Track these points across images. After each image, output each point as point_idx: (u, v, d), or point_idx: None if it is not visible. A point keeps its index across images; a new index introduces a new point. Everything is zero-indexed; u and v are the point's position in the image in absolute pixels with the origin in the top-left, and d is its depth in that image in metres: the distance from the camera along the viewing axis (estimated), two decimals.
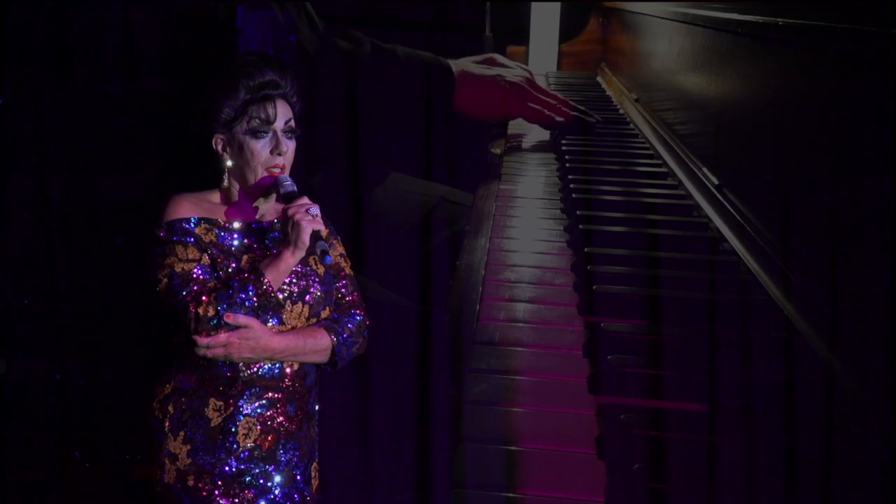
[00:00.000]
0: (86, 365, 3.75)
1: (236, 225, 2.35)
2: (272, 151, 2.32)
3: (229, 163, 2.34)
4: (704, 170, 3.90)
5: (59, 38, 3.69)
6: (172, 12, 3.72)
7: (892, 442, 2.43)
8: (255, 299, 2.24)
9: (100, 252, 3.73)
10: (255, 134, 2.31)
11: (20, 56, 3.70)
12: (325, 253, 2.26)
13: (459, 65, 4.92)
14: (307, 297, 2.34)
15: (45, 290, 3.75)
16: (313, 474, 2.46)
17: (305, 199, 2.29)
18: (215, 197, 2.39)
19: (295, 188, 2.33)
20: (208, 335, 2.23)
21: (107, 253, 3.73)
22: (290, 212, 2.26)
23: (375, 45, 4.46)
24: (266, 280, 2.25)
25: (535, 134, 5.50)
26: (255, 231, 2.37)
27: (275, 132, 2.32)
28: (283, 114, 2.33)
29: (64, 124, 3.70)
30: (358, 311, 2.45)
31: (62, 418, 3.76)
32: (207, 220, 2.32)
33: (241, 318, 2.24)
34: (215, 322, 2.22)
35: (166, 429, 2.34)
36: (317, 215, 2.27)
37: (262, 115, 2.31)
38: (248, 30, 3.74)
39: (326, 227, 2.48)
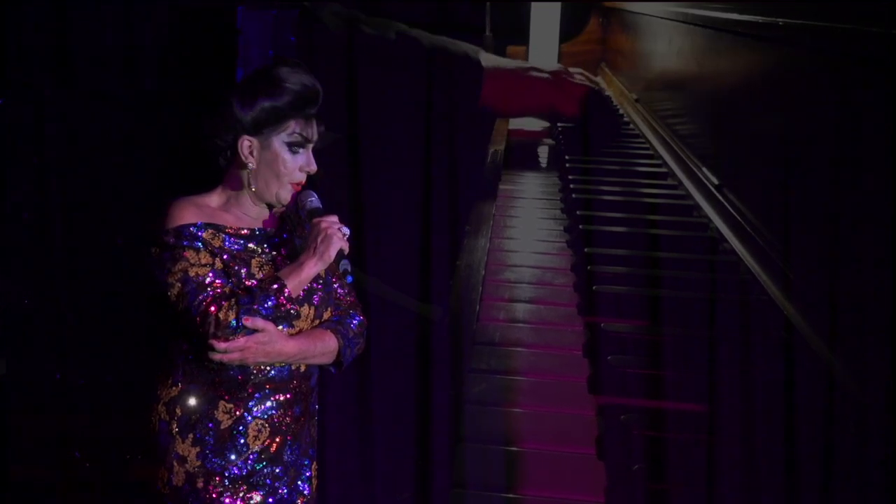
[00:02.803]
0: (86, 365, 3.75)
1: (241, 230, 2.35)
2: (301, 168, 2.33)
3: (253, 166, 2.32)
4: (704, 170, 3.90)
5: (59, 38, 3.69)
6: (172, 12, 3.72)
7: (892, 442, 2.43)
8: (273, 309, 2.24)
9: (100, 252, 3.73)
10: (293, 148, 2.32)
11: (20, 56, 3.70)
12: (346, 273, 2.28)
13: (491, 59, 4.89)
14: (314, 298, 2.35)
15: (45, 290, 3.75)
16: (313, 474, 2.46)
17: (336, 218, 2.31)
18: (213, 200, 2.37)
19: (320, 205, 2.36)
20: (226, 340, 2.23)
21: (107, 253, 3.72)
22: (324, 225, 2.28)
23: (401, 31, 4.43)
24: (288, 291, 2.26)
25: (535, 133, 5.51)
26: (259, 236, 2.36)
27: (307, 150, 2.33)
28: (318, 133, 2.35)
29: (64, 124, 3.70)
30: (357, 312, 2.45)
31: (62, 418, 3.76)
32: (213, 226, 2.32)
33: (259, 322, 2.24)
34: (234, 326, 2.21)
35: (174, 431, 2.32)
36: (347, 235, 2.29)
37: (306, 134, 2.31)
38: (248, 30, 3.73)
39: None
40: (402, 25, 4.47)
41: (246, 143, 2.30)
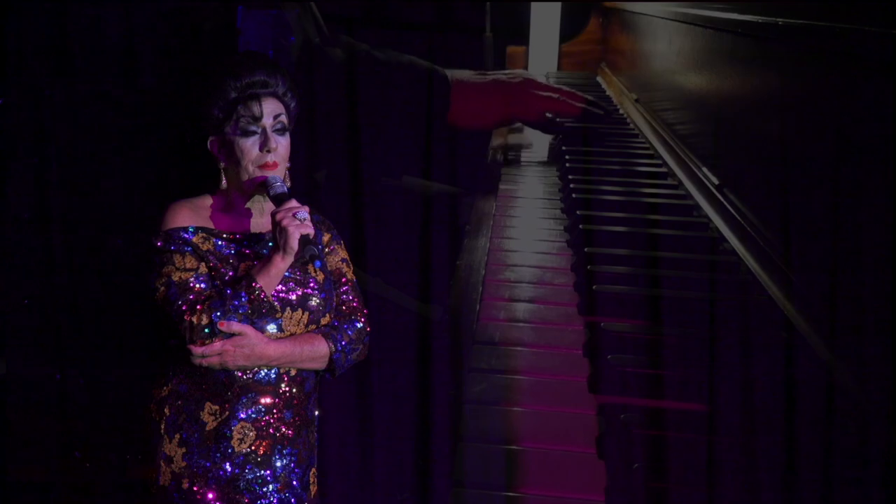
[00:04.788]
0: (86, 365, 3.74)
1: (234, 234, 2.35)
2: (262, 148, 2.31)
3: (223, 164, 2.34)
4: (704, 170, 3.90)
5: (59, 38, 3.69)
6: (172, 12, 3.71)
7: (892, 442, 2.43)
8: (247, 305, 2.24)
9: (99, 252, 3.73)
10: (245, 133, 2.31)
11: (20, 56, 3.69)
12: (314, 257, 2.25)
13: (456, 74, 4.89)
14: (307, 303, 2.33)
15: (45, 291, 3.75)
16: (312, 480, 2.44)
17: (293, 203, 2.28)
18: (213, 202, 2.38)
19: (285, 190, 2.32)
20: (203, 344, 2.23)
21: (106, 253, 3.72)
22: (278, 217, 2.25)
23: (370, 53, 4.46)
24: (257, 285, 2.25)
25: (535, 133, 5.51)
26: (253, 240, 2.36)
27: (264, 129, 2.32)
28: (271, 111, 2.32)
29: (64, 124, 3.69)
30: (358, 318, 2.43)
31: (62, 418, 3.76)
32: (205, 230, 2.32)
33: (235, 326, 2.24)
34: (209, 330, 2.22)
35: (162, 431, 2.33)
36: (305, 219, 2.25)
37: (250, 113, 2.31)
38: (248, 30, 3.74)
39: (329, 231, 2.47)
40: (366, 46, 4.50)
41: (212, 144, 2.34)
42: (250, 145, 2.31)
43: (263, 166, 2.31)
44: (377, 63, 4.43)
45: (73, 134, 3.70)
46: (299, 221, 2.24)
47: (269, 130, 2.31)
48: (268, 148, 2.30)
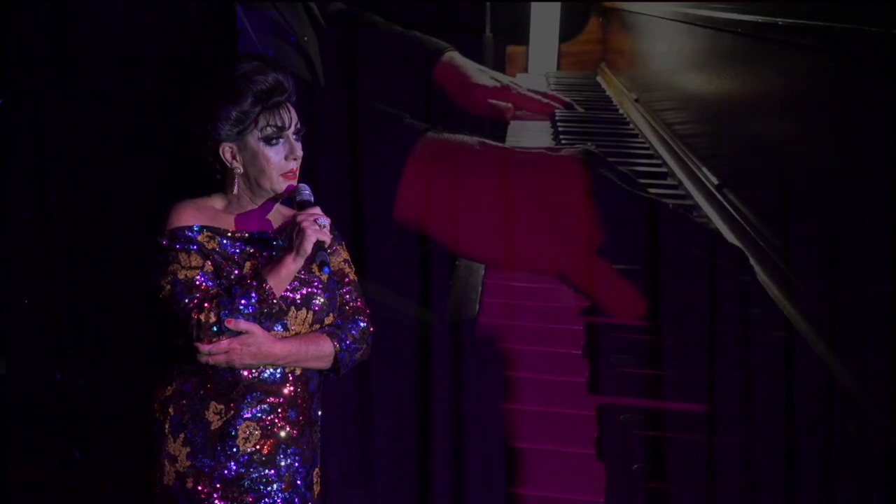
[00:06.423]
0: (86, 365, 3.74)
1: (239, 234, 2.35)
2: (287, 157, 2.33)
3: (240, 170, 2.34)
4: (704, 170, 3.90)
5: (59, 38, 3.68)
6: (172, 12, 3.71)
7: (892, 442, 2.44)
8: (256, 305, 2.24)
9: (100, 252, 3.72)
10: (269, 141, 2.31)
11: (20, 56, 3.69)
12: (324, 264, 2.26)
13: (458, 58, 4.85)
14: (311, 303, 2.34)
15: (45, 290, 3.74)
16: (315, 479, 2.44)
17: (318, 210, 2.30)
18: (218, 203, 2.38)
19: (312, 198, 2.34)
20: (210, 342, 2.23)
21: (107, 253, 3.72)
22: (299, 218, 2.26)
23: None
24: (268, 286, 2.25)
25: (536, 134, 5.50)
26: (259, 240, 2.36)
27: (287, 137, 2.33)
28: (293, 118, 2.34)
29: (64, 124, 3.69)
30: (362, 318, 2.44)
31: (62, 418, 3.76)
32: (210, 228, 2.32)
33: (242, 324, 2.24)
34: (216, 329, 2.22)
35: (166, 430, 2.33)
36: (325, 226, 2.27)
37: (277, 123, 2.31)
38: (247, 30, 3.73)
39: (331, 232, 2.48)
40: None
41: (226, 150, 2.32)
42: (275, 154, 2.31)
43: (287, 173, 2.32)
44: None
45: (73, 134, 3.70)
46: (319, 227, 2.25)
47: (291, 138, 2.32)
48: (294, 156, 2.32)
